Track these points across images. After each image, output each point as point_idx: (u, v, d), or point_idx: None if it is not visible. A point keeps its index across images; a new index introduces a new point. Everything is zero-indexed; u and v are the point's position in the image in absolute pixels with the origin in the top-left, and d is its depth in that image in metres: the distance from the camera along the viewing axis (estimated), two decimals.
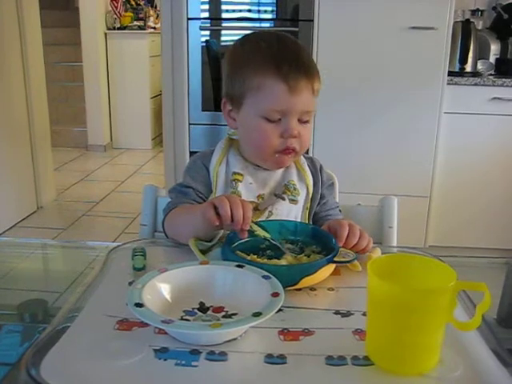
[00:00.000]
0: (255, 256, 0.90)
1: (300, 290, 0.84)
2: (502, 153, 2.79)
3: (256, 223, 0.94)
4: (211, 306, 0.76)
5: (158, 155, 5.11)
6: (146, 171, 4.69)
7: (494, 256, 2.75)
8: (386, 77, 2.70)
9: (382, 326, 0.65)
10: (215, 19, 2.76)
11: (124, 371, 0.63)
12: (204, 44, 2.76)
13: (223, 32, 2.82)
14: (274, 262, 0.88)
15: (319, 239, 0.96)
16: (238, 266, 0.82)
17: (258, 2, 2.76)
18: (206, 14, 2.75)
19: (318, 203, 1.14)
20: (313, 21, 2.65)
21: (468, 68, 2.84)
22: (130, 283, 0.81)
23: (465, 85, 2.70)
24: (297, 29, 2.69)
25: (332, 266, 0.88)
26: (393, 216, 1.21)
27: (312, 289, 0.85)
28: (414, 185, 2.80)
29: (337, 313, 0.78)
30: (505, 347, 0.70)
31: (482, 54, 2.96)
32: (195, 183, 1.09)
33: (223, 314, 0.75)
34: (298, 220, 1.10)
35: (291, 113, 1.01)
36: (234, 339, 0.69)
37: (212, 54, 2.76)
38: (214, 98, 2.76)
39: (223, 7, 2.76)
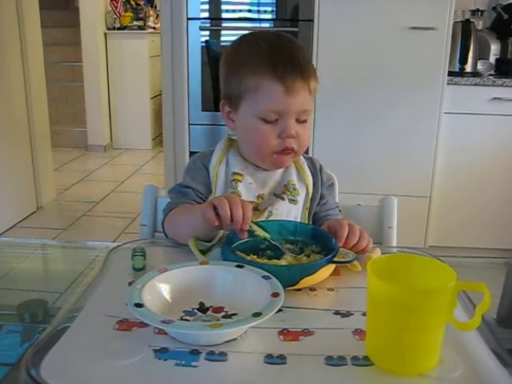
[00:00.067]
0: (255, 256, 0.90)
1: (300, 290, 0.84)
2: (502, 153, 2.79)
3: (256, 223, 0.94)
4: (211, 307, 0.76)
5: (157, 155, 5.11)
6: (146, 171, 4.69)
7: (493, 256, 2.75)
8: (385, 77, 2.70)
9: (382, 326, 0.65)
10: (215, 19, 2.76)
11: (124, 371, 0.63)
12: (204, 44, 2.76)
13: (223, 32, 2.82)
14: (274, 262, 0.88)
15: (319, 239, 0.96)
16: (238, 266, 0.82)
17: (258, 2, 2.76)
18: (206, 14, 2.75)
19: (318, 203, 1.14)
20: (313, 21, 2.65)
21: (468, 68, 2.84)
22: (130, 283, 0.81)
23: (465, 85, 2.70)
24: (297, 29, 2.69)
25: (332, 266, 0.88)
26: (393, 216, 1.21)
27: (312, 289, 0.85)
28: (413, 185, 2.80)
29: (337, 313, 0.78)
30: (505, 347, 0.70)
31: (482, 54, 2.96)
32: (195, 183, 1.09)
33: (223, 314, 0.75)
34: (298, 220, 1.10)
35: (288, 113, 1.01)
36: (234, 339, 0.69)
37: (212, 54, 2.76)
38: (213, 98, 2.76)
39: (223, 7, 2.76)
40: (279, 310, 0.72)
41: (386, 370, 0.65)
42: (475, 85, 2.69)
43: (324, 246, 0.93)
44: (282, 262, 0.88)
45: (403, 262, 0.71)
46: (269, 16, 2.79)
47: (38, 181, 3.64)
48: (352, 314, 0.77)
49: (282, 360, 0.66)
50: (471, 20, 2.90)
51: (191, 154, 2.82)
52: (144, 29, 5.34)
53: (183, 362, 0.65)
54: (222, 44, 2.83)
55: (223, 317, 0.74)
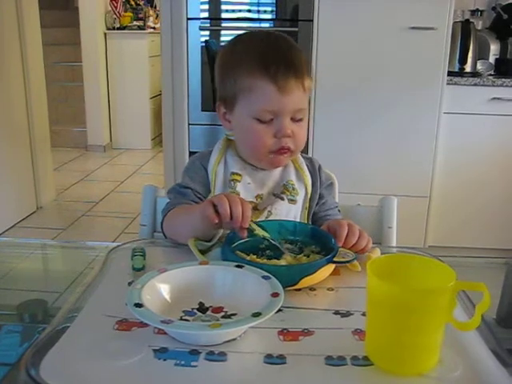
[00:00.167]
0: (255, 256, 0.90)
1: (299, 290, 0.84)
2: (502, 153, 2.79)
3: (255, 223, 0.94)
4: (211, 307, 0.76)
5: (157, 155, 5.10)
6: (146, 171, 4.69)
7: (493, 256, 2.75)
8: (385, 77, 2.70)
9: (382, 326, 0.65)
10: (215, 19, 2.76)
11: (123, 371, 0.63)
12: (203, 44, 2.76)
13: (223, 32, 2.82)
14: (274, 262, 0.88)
15: (318, 239, 0.96)
16: (238, 266, 0.82)
17: (258, 2, 2.76)
18: (206, 14, 2.75)
19: (317, 203, 1.14)
20: (312, 21, 2.65)
21: (467, 68, 2.84)
22: (130, 283, 0.81)
23: (464, 85, 2.70)
24: (296, 29, 2.69)
25: (331, 266, 0.88)
26: (392, 216, 1.21)
27: (311, 289, 0.85)
28: (413, 185, 2.80)
29: (336, 313, 0.78)
30: (504, 347, 0.70)
31: (482, 54, 2.96)
32: (194, 184, 1.09)
33: (223, 314, 0.75)
34: (298, 220, 1.10)
35: (283, 113, 1.01)
36: (234, 339, 0.69)
37: (211, 54, 2.76)
38: (213, 98, 2.75)
39: (223, 7, 2.76)
40: (279, 310, 0.72)
41: (386, 370, 0.65)
42: (475, 85, 2.69)
43: (323, 245, 0.94)
44: (282, 262, 0.88)
45: (403, 261, 0.71)
46: (268, 16, 2.79)
47: (38, 181, 3.64)
48: (352, 314, 0.77)
49: (281, 360, 0.66)
50: (471, 20, 2.90)
51: (191, 153, 2.82)
52: (144, 29, 5.34)
53: (183, 362, 0.65)
54: (222, 44, 2.82)
55: (223, 317, 0.74)
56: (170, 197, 1.11)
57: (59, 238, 3.19)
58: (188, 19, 2.72)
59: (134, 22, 5.34)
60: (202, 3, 2.72)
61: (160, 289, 0.77)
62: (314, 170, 1.15)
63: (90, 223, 3.50)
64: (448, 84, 2.68)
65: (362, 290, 0.68)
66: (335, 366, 0.65)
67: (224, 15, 2.78)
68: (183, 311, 0.75)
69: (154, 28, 5.39)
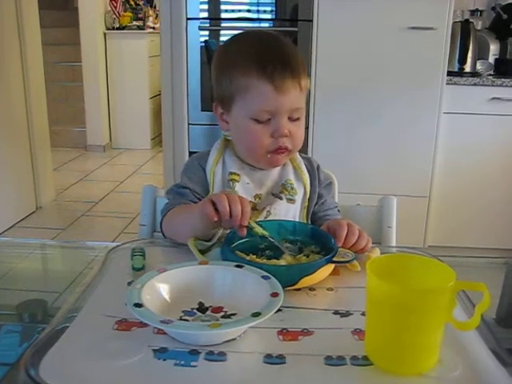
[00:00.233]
0: (254, 256, 0.90)
1: (299, 290, 0.84)
2: (501, 153, 2.79)
3: (254, 222, 0.94)
4: (210, 306, 0.76)
5: (157, 155, 5.10)
6: (145, 171, 4.69)
7: (493, 256, 2.74)
8: (385, 77, 2.70)
9: (381, 326, 0.65)
10: (214, 19, 2.76)
11: (123, 371, 0.63)
12: (203, 44, 2.76)
13: (222, 32, 2.82)
14: (274, 262, 0.88)
15: (318, 239, 0.96)
16: (238, 266, 0.82)
17: (257, 2, 2.76)
18: (205, 14, 2.75)
19: (316, 203, 1.14)
20: (312, 21, 2.65)
21: (467, 68, 2.84)
22: (129, 283, 0.81)
23: (464, 85, 2.70)
24: (296, 29, 2.69)
25: (331, 266, 0.88)
26: (392, 216, 1.21)
27: (311, 289, 0.85)
28: (413, 185, 2.80)
29: (336, 313, 0.78)
30: (504, 347, 0.70)
31: (481, 54, 2.96)
32: (192, 184, 1.09)
33: (222, 314, 0.75)
34: (297, 219, 1.10)
35: (280, 112, 1.01)
36: (233, 339, 0.69)
37: (211, 54, 2.76)
38: (212, 98, 2.75)
39: (222, 7, 2.76)
40: (278, 310, 0.72)
41: (386, 369, 0.65)
42: (474, 85, 2.69)
43: (323, 245, 0.94)
44: (282, 262, 0.88)
45: (402, 261, 0.71)
46: (268, 16, 2.79)
47: (38, 181, 3.64)
48: (351, 314, 0.77)
49: (281, 360, 0.66)
50: (470, 20, 2.90)
51: (190, 153, 2.82)
52: (143, 29, 5.34)
53: (182, 362, 0.65)
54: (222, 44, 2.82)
55: (222, 317, 0.74)
56: (168, 197, 1.11)
57: (59, 237, 3.19)
58: (187, 19, 2.72)
59: (134, 22, 5.34)
60: (202, 3, 2.72)
61: (160, 289, 0.77)
62: (313, 170, 1.15)
63: (90, 223, 3.50)
64: (448, 84, 2.68)
65: (361, 290, 0.68)
66: (335, 366, 0.65)
67: (223, 15, 2.78)
68: (183, 311, 0.75)
69: (153, 28, 5.39)
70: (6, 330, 0.95)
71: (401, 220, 1.22)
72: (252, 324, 0.67)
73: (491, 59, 2.98)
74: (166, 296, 0.77)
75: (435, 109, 2.70)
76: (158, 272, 0.79)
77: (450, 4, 2.57)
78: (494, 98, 2.69)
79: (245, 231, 0.91)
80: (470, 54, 2.82)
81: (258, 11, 2.78)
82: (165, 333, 0.70)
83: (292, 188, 1.09)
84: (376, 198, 1.24)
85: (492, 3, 3.12)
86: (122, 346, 0.68)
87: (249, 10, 2.77)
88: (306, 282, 0.83)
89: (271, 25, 2.82)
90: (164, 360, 0.65)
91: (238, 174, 1.08)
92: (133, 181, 4.40)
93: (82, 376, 0.63)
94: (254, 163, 1.09)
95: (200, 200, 1.07)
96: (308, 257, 0.91)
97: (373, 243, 0.97)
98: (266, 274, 0.79)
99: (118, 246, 1.01)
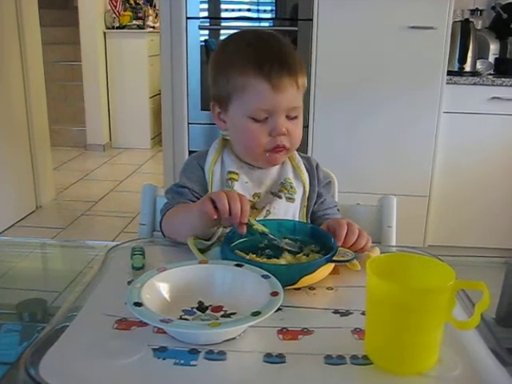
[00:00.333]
0: (254, 255, 0.90)
1: (299, 289, 0.84)
2: (502, 152, 2.79)
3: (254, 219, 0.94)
4: (210, 306, 0.76)
5: (157, 155, 5.10)
6: (145, 171, 4.69)
7: (493, 255, 2.75)
8: (385, 76, 2.70)
9: (381, 326, 0.65)
10: (214, 18, 2.76)
11: (123, 370, 0.63)
12: (203, 43, 2.76)
13: (222, 31, 2.81)
14: (273, 261, 0.88)
15: (318, 238, 0.96)
16: (237, 265, 0.82)
17: (258, 2, 2.76)
18: (205, 14, 2.75)
19: (316, 202, 1.14)
20: (312, 20, 2.65)
21: (467, 67, 2.84)
22: (129, 282, 0.81)
23: (464, 84, 2.70)
24: (296, 28, 2.68)
25: (331, 266, 0.88)
26: (392, 215, 1.21)
27: (311, 288, 0.85)
28: (413, 184, 2.80)
29: (336, 312, 0.78)
30: (504, 346, 0.70)
31: (481, 53, 2.96)
32: (191, 183, 1.09)
33: (222, 313, 0.75)
34: (296, 219, 1.10)
35: (277, 111, 1.01)
36: (233, 338, 0.69)
37: (211, 54, 2.76)
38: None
39: (222, 6, 2.76)
40: (278, 309, 0.72)
41: (385, 369, 0.65)
42: (474, 84, 2.69)
43: (323, 245, 0.94)
44: (282, 261, 0.88)
45: (402, 261, 0.71)
46: (268, 15, 2.79)
47: (37, 180, 3.64)
48: (351, 313, 0.77)
49: (281, 359, 0.66)
50: (470, 19, 2.90)
51: (190, 153, 2.82)
52: (143, 28, 5.34)
53: (182, 361, 0.65)
54: None
55: (222, 316, 0.74)
56: (167, 197, 1.11)
57: (59, 237, 3.19)
58: (187, 18, 2.72)
59: (134, 22, 5.34)
60: (202, 2, 2.72)
61: (159, 288, 0.77)
62: (312, 169, 1.15)
63: (90, 222, 3.50)
64: (448, 83, 2.68)
65: (361, 289, 0.68)
66: (334, 365, 0.65)
67: (223, 14, 2.78)
68: (183, 310, 0.75)
69: (153, 27, 5.39)
70: (6, 329, 0.95)
71: (401, 219, 1.22)
72: (252, 323, 0.67)
73: (491, 59, 2.98)
74: (166, 295, 0.77)
75: (435, 108, 2.70)
76: (157, 271, 0.79)
77: (450, 3, 2.57)
78: (494, 98, 2.69)
79: (244, 229, 0.91)
80: (469, 54, 2.82)
81: (258, 10, 2.78)
82: (165, 332, 0.70)
83: (291, 187, 1.09)
84: (376, 198, 1.24)
85: (492, 3, 3.12)
86: (121, 345, 0.68)
87: (249, 10, 2.77)
88: (305, 281, 0.83)
89: (271, 24, 2.82)
90: (164, 359, 0.65)
91: (237, 173, 1.08)
92: (133, 180, 4.40)
93: (82, 375, 0.63)
94: (252, 162, 1.09)
95: (199, 199, 1.07)
96: (308, 256, 0.91)
97: (373, 243, 0.97)
98: (265, 273, 0.79)
99: (117, 245, 1.01)
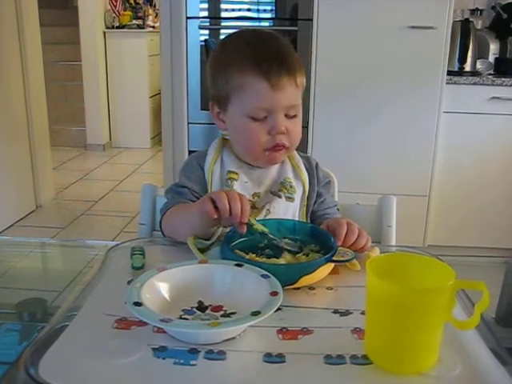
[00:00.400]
0: (254, 255, 0.90)
1: (299, 289, 0.84)
2: (501, 152, 2.79)
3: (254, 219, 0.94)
4: (210, 305, 0.76)
5: (156, 154, 5.10)
6: (145, 170, 4.69)
7: (492, 255, 2.75)
8: (385, 76, 2.70)
9: (381, 325, 0.65)
10: (214, 18, 2.76)
11: (122, 370, 0.63)
12: (203, 43, 2.76)
13: (222, 31, 2.81)
14: (273, 260, 0.88)
15: (318, 238, 0.96)
16: (237, 264, 0.82)
17: (258, 2, 2.76)
18: (205, 13, 2.75)
19: (316, 201, 1.14)
20: (312, 20, 2.65)
21: (467, 67, 2.84)
22: (129, 282, 0.81)
23: (464, 84, 2.70)
24: (296, 28, 2.68)
25: (331, 265, 0.88)
26: (391, 215, 1.21)
27: (311, 288, 0.85)
28: (413, 184, 2.80)
29: (335, 312, 0.78)
30: (503, 346, 0.70)
31: (481, 53, 2.96)
32: (191, 183, 1.09)
33: (222, 313, 0.75)
34: (296, 218, 1.10)
35: (276, 109, 1.01)
36: (233, 338, 0.69)
37: (210, 53, 2.76)
38: None
39: (222, 6, 2.76)
40: (278, 309, 0.72)
41: (385, 368, 0.65)
42: (474, 84, 2.69)
43: (323, 244, 0.93)
44: (281, 261, 0.88)
45: (402, 260, 0.71)
46: (268, 15, 2.79)
47: (37, 180, 3.64)
48: (351, 313, 0.77)
49: (280, 359, 0.66)
50: (470, 19, 2.90)
51: (190, 152, 2.82)
52: (143, 28, 5.34)
53: (182, 361, 0.65)
54: None
55: (222, 316, 0.74)
56: (167, 197, 1.11)
57: (58, 236, 3.19)
58: (187, 18, 2.72)
59: (134, 21, 5.34)
60: (202, 2, 2.72)
61: (159, 287, 0.77)
62: (311, 168, 1.15)
63: (90, 222, 3.50)
64: (447, 83, 2.68)
65: (361, 289, 0.68)
66: (334, 365, 0.65)
67: (223, 14, 2.78)
68: (182, 310, 0.75)
69: (153, 27, 5.38)
70: (6, 328, 0.95)
71: (400, 219, 1.22)
72: (251, 323, 0.67)
73: (491, 58, 2.98)
74: (166, 295, 0.77)
75: (435, 108, 2.70)
76: (157, 271, 0.79)
77: (450, 3, 2.57)
78: (493, 98, 2.69)
79: (245, 228, 0.91)
80: (469, 54, 2.82)
81: (258, 10, 2.78)
82: (164, 331, 0.70)
83: (291, 186, 1.09)
84: (376, 197, 1.24)
85: (492, 2, 3.12)
86: (121, 344, 0.68)
87: (249, 9, 2.77)
88: (305, 280, 0.83)
89: (271, 24, 2.82)
90: (163, 359, 0.65)
91: (237, 173, 1.08)
92: (132, 180, 4.40)
93: (82, 375, 0.63)
94: (252, 161, 1.09)
95: (198, 199, 1.07)
96: (307, 256, 0.91)
97: (372, 242, 0.97)
98: (265, 272, 0.79)
99: (117, 244, 1.01)
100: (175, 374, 0.63)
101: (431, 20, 2.59)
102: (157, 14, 5.28)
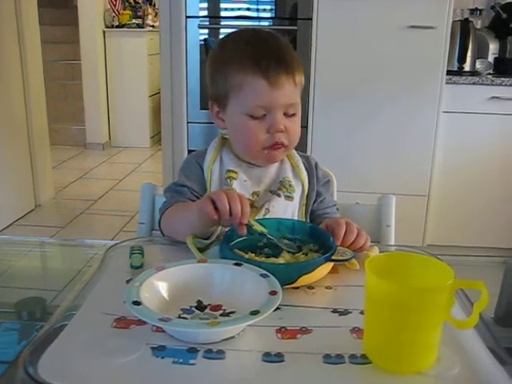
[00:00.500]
0: (253, 254, 0.90)
1: (298, 288, 0.84)
2: (501, 152, 2.79)
3: (254, 220, 0.94)
4: (209, 305, 0.76)
5: (156, 153, 5.10)
6: (145, 169, 4.68)
7: (491, 255, 2.76)
8: (384, 76, 2.70)
9: (380, 325, 0.65)
10: (214, 17, 2.76)
11: (121, 369, 0.63)
12: (202, 42, 2.76)
13: (222, 30, 2.81)
14: (272, 260, 0.88)
15: (317, 237, 0.96)
16: (236, 264, 0.82)
17: (257, 1, 2.76)
18: (205, 13, 2.75)
19: (315, 201, 1.14)
20: (311, 19, 2.65)
21: (467, 67, 2.84)
22: (128, 281, 0.81)
23: (463, 84, 2.70)
24: (295, 27, 2.68)
25: (330, 265, 0.88)
26: (391, 215, 1.21)
27: (310, 287, 0.85)
28: (412, 184, 2.80)
29: (334, 311, 0.78)
30: (502, 346, 0.70)
31: (481, 53, 2.96)
32: (190, 182, 1.09)
33: (221, 312, 0.75)
34: (295, 217, 1.10)
35: (275, 107, 1.01)
36: (232, 337, 0.69)
37: (210, 53, 2.76)
38: None
39: (222, 5, 2.76)
40: (277, 308, 0.72)
41: (384, 368, 0.65)
42: (474, 84, 2.69)
43: (322, 244, 0.94)
44: (280, 260, 0.88)
45: (401, 260, 0.71)
46: (268, 14, 2.79)
47: (37, 179, 3.64)
48: (350, 313, 0.77)
49: (279, 358, 0.66)
50: (470, 19, 2.90)
51: (189, 152, 2.81)
52: (143, 27, 5.34)
53: (181, 360, 0.65)
54: None
55: (221, 315, 0.74)
56: (166, 196, 1.11)
57: (58, 236, 3.19)
58: (187, 17, 2.71)
59: (133, 20, 5.34)
60: (201, 1, 2.71)
61: (158, 287, 0.77)
62: (311, 168, 1.15)
63: (89, 221, 3.50)
64: (447, 83, 2.68)
65: (360, 289, 0.68)
66: (333, 364, 0.65)
67: (223, 13, 2.77)
68: (181, 309, 0.75)
69: (152, 26, 5.38)
70: (5, 327, 0.95)
71: (400, 219, 1.22)
72: (250, 322, 0.67)
73: (491, 58, 2.98)
74: (165, 294, 0.77)
75: (434, 108, 2.70)
76: (156, 270, 0.79)
77: (449, 3, 2.57)
78: (493, 97, 2.69)
79: (244, 229, 0.91)
80: (469, 53, 2.82)
81: (257, 10, 2.77)
82: (163, 331, 0.70)
83: (290, 185, 1.10)
84: (375, 197, 1.25)
85: (491, 2, 3.12)
86: (120, 343, 0.68)
87: (248, 9, 2.76)
88: (304, 280, 0.83)
89: (271, 23, 2.81)
90: (162, 358, 0.65)
91: (236, 172, 1.08)
92: (132, 179, 4.39)
93: (81, 374, 0.63)
94: (251, 160, 1.09)
95: (198, 198, 1.07)
96: (307, 255, 0.91)
97: (371, 242, 0.98)
98: (264, 272, 0.79)
99: (116, 244, 1.01)
100: (174, 373, 0.63)
101: (431, 20, 2.59)
102: (156, 14, 5.28)
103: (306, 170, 1.13)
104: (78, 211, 3.63)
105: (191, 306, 0.76)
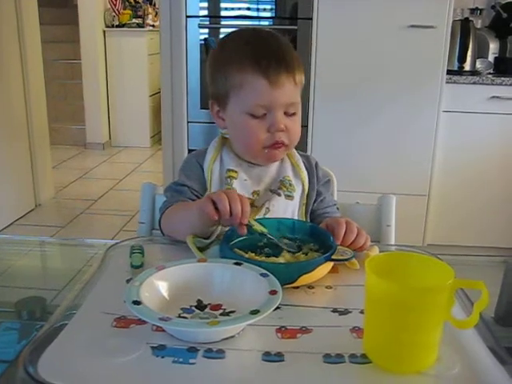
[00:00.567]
0: (253, 254, 0.90)
1: (298, 287, 0.84)
2: (501, 152, 2.79)
3: (254, 219, 0.94)
4: (209, 304, 0.76)
5: (156, 153, 5.10)
6: (145, 169, 4.68)
7: (492, 254, 2.76)
8: (384, 75, 2.70)
9: (380, 324, 0.65)
10: (214, 17, 2.76)
11: (121, 368, 0.63)
12: (203, 42, 2.76)
13: (222, 30, 2.81)
14: (272, 259, 0.88)
15: (317, 237, 0.96)
16: (236, 263, 0.82)
17: (257, 1, 2.76)
18: (205, 12, 2.75)
19: (315, 200, 1.14)
20: (312, 19, 2.65)
21: (467, 67, 2.84)
22: (128, 281, 0.81)
23: (463, 83, 2.70)
24: (296, 27, 2.68)
25: (330, 264, 0.88)
26: (391, 214, 1.21)
27: (310, 287, 0.85)
28: (412, 183, 2.80)
29: (334, 311, 0.78)
30: (502, 345, 0.70)
31: (481, 52, 2.96)
32: (190, 181, 1.09)
33: (221, 311, 0.75)
34: (296, 217, 1.10)
35: (275, 107, 1.01)
36: (232, 337, 0.69)
37: (210, 52, 2.76)
38: None
39: (222, 5, 2.76)
40: (277, 308, 0.72)
41: (384, 367, 0.65)
42: (474, 83, 2.69)
43: (322, 243, 0.94)
44: (280, 260, 0.88)
45: (401, 260, 0.71)
46: (268, 14, 2.79)
47: (37, 178, 3.64)
48: (350, 312, 0.77)
49: (279, 358, 0.66)
50: (470, 18, 2.90)
51: (190, 151, 2.81)
52: (143, 26, 5.34)
53: (181, 360, 0.65)
54: None
55: (221, 314, 0.74)
56: (166, 195, 1.11)
57: (58, 235, 3.19)
58: (187, 17, 2.71)
59: (133, 20, 5.33)
60: (202, 1, 2.72)
61: (158, 286, 0.77)
62: (311, 167, 1.15)
63: (89, 221, 3.50)
64: (447, 82, 2.68)
65: (360, 288, 0.68)
66: (333, 364, 0.65)
67: (223, 13, 2.77)
68: (181, 309, 0.75)
69: (153, 26, 5.38)
70: (5, 327, 0.95)
71: (400, 218, 1.22)
72: (250, 322, 0.67)
73: (491, 58, 2.98)
74: (165, 293, 0.77)
75: (435, 107, 2.70)
76: (156, 269, 0.79)
77: (449, 2, 2.57)
78: (493, 97, 2.69)
79: (245, 230, 0.91)
80: (469, 53, 2.82)
81: (257, 9, 2.77)
82: (163, 330, 0.70)
83: (290, 184, 1.10)
84: (375, 197, 1.25)
85: (492, 2, 3.12)
86: (120, 343, 0.68)
87: (248, 8, 2.76)
88: (304, 279, 0.83)
89: (271, 23, 2.81)
90: (162, 357, 0.65)
91: (236, 171, 1.08)
92: (132, 179, 4.39)
93: (81, 373, 0.63)
94: (251, 159, 1.09)
95: (198, 197, 1.07)
96: (307, 255, 0.91)
97: (372, 241, 0.98)
98: (264, 271, 0.79)
99: (116, 243, 1.01)
100: (174, 372, 0.63)
101: (431, 19, 2.59)
102: (156, 13, 5.27)
103: (307, 169, 1.14)
104: (78, 211, 3.63)
105: (191, 306, 0.76)
